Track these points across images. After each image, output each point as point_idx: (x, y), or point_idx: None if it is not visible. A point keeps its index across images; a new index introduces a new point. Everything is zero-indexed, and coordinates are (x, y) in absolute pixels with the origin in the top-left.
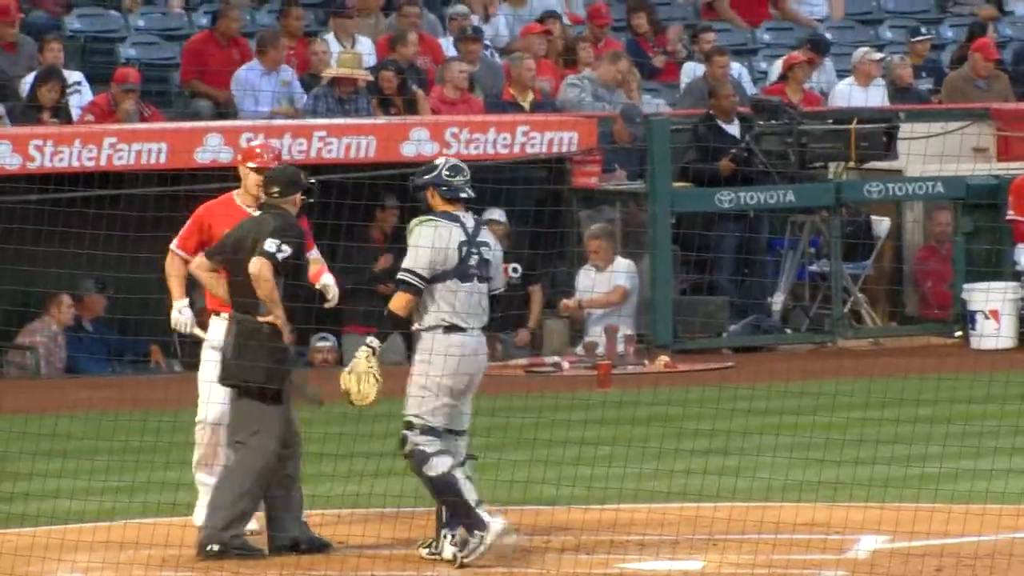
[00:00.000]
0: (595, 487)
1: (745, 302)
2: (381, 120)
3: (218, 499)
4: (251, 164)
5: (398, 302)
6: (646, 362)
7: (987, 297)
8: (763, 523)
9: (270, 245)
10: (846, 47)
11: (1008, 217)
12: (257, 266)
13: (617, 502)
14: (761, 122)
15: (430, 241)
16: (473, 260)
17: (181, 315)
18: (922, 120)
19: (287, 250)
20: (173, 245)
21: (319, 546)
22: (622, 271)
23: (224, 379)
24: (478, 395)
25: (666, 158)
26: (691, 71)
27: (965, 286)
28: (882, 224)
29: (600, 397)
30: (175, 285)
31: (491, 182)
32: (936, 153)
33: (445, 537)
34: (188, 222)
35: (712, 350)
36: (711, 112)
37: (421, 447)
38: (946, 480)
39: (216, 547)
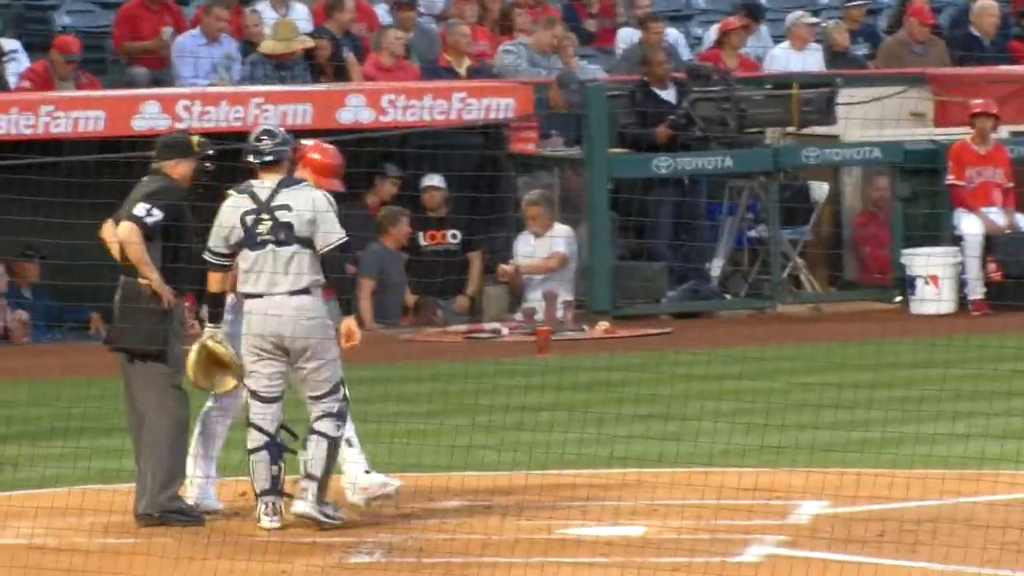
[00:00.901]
0: (536, 453)
1: (684, 267)
2: (318, 87)
3: (147, 466)
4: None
5: (209, 279)
6: (585, 328)
7: (926, 262)
8: (705, 488)
9: (139, 209)
10: (781, 13)
11: (947, 182)
12: (125, 230)
13: (558, 468)
14: (697, 88)
15: (218, 219)
16: (263, 227)
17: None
18: (859, 85)
19: (157, 214)
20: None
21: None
22: (561, 237)
23: (110, 342)
24: (418, 360)
25: (603, 124)
26: (627, 37)
27: (904, 251)
28: (820, 189)
29: (540, 363)
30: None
31: (429, 148)
32: (874, 118)
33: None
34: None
35: (651, 316)
36: (645, 79)
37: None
38: (888, 445)
39: (155, 513)
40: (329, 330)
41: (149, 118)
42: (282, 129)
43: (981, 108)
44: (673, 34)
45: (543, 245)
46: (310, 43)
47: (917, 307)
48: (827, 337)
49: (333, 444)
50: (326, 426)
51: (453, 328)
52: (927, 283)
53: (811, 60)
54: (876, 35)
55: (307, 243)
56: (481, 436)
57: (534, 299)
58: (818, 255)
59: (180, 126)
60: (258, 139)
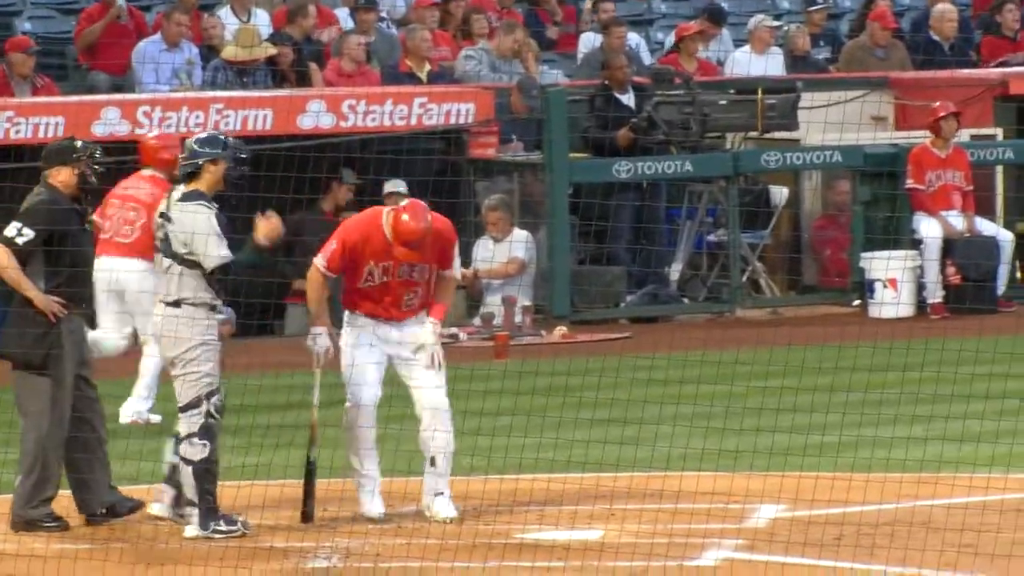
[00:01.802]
0: (494, 457)
1: (643, 271)
2: (279, 92)
3: (21, 472)
4: (404, 241)
5: None
6: (544, 333)
7: (886, 266)
8: (663, 493)
9: (10, 230)
10: (743, 17)
11: (907, 186)
12: None
13: (516, 472)
14: (659, 92)
15: None
16: (160, 233)
17: (316, 344)
18: (820, 89)
19: (28, 233)
20: (320, 263)
21: (132, 508)
22: (520, 242)
23: None
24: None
25: (563, 129)
26: (589, 42)
27: (863, 255)
28: (780, 193)
29: (498, 367)
30: (319, 304)
31: (390, 154)
32: (834, 122)
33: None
34: (334, 242)
35: (610, 320)
36: (606, 83)
37: None
38: (846, 449)
39: (24, 522)
40: (196, 348)
41: (109, 124)
42: (221, 138)
43: (944, 110)
44: (635, 39)
45: (502, 250)
46: (272, 50)
47: (876, 310)
48: (786, 341)
49: (197, 468)
50: (187, 450)
51: None
52: (886, 286)
53: (772, 64)
54: (838, 39)
55: (181, 259)
56: None
57: (492, 304)
58: (777, 259)
59: (140, 131)
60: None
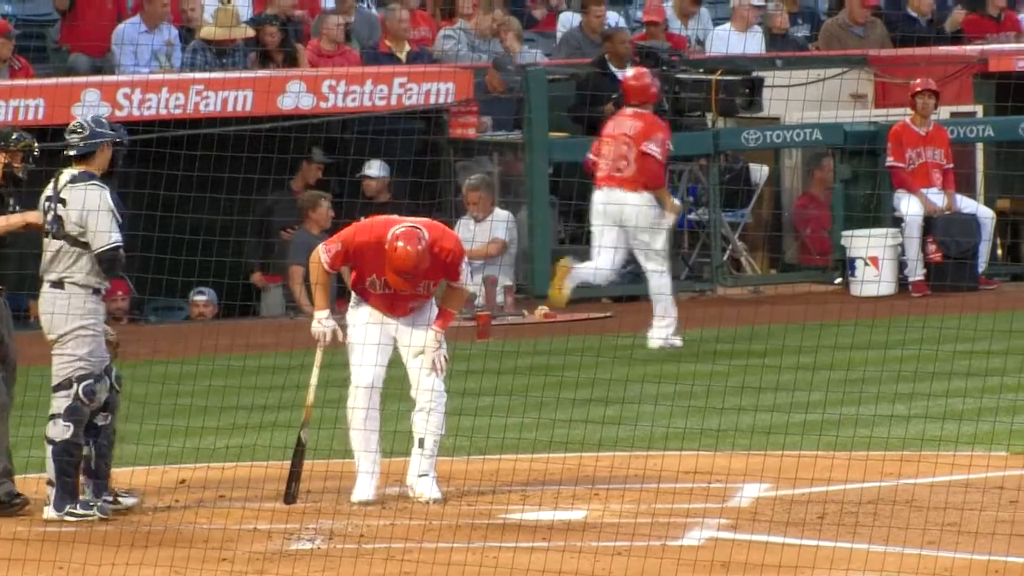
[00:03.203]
0: (477, 438)
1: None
2: (259, 73)
3: None
4: (396, 269)
5: None
6: (525, 312)
7: (867, 244)
8: (645, 472)
9: None
10: None
11: (887, 163)
12: None
13: (499, 453)
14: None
15: None
16: (50, 215)
17: (322, 325)
18: (800, 67)
19: None
20: (323, 260)
21: (15, 503)
22: (501, 222)
23: None
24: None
25: (543, 108)
26: (568, 21)
27: (844, 233)
28: (760, 172)
29: (480, 348)
30: (323, 296)
31: (371, 134)
32: (814, 100)
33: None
34: (339, 242)
35: (591, 300)
36: (606, 57)
37: None
38: (829, 427)
39: None
40: (79, 329)
41: (89, 106)
42: (104, 121)
43: (922, 86)
44: (614, 17)
45: (483, 230)
46: (251, 31)
47: (857, 289)
48: (767, 319)
49: (59, 448)
50: (51, 430)
51: None
52: (867, 264)
53: (753, 42)
54: (816, 17)
55: (73, 240)
56: None
57: (474, 284)
58: (758, 237)
59: (120, 114)
60: (69, 133)
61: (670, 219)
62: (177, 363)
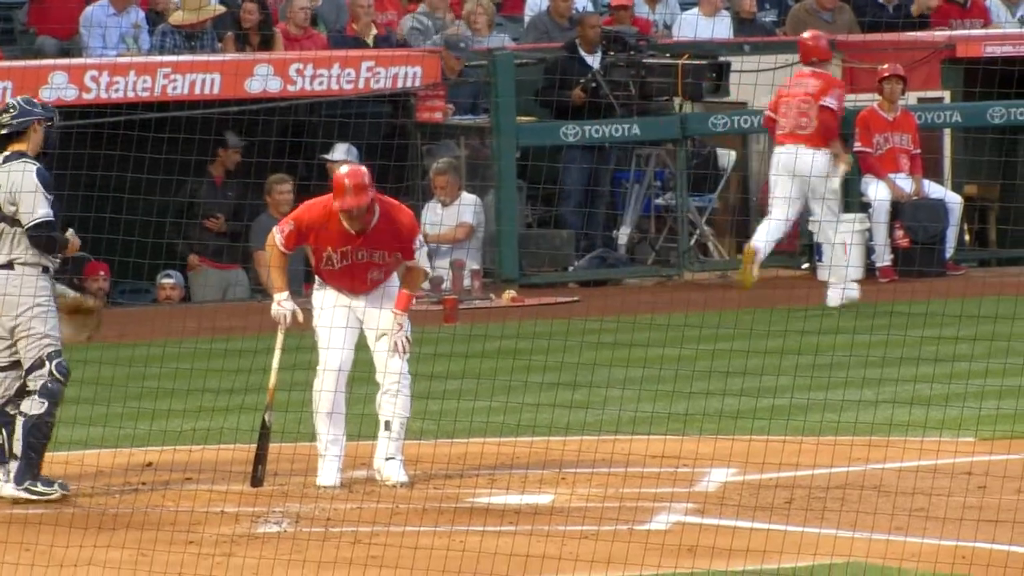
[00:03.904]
0: (444, 422)
1: (591, 235)
2: (226, 57)
3: None
4: (337, 205)
5: None
6: (492, 296)
7: (835, 229)
8: (613, 456)
9: None
10: None
11: (855, 148)
12: None
13: (466, 437)
14: (611, 53)
15: None
16: None
17: (281, 307)
18: (767, 52)
19: None
20: (278, 242)
21: None
22: (468, 206)
23: None
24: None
25: (510, 92)
26: (535, 5)
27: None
28: (728, 157)
29: (447, 332)
30: (279, 278)
31: (339, 117)
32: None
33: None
34: (292, 222)
35: (559, 284)
36: (576, 41)
37: None
38: (796, 412)
39: None
40: (34, 308)
41: (57, 88)
42: (35, 101)
43: (890, 71)
44: (582, 2)
45: (450, 214)
46: (221, 10)
47: (825, 274)
48: (734, 304)
49: (33, 423)
50: (27, 405)
51: None
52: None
53: (721, 26)
54: (784, 2)
55: (12, 221)
56: None
57: (441, 268)
58: (725, 222)
59: (88, 97)
60: (1, 113)
61: (843, 169)
62: (144, 346)
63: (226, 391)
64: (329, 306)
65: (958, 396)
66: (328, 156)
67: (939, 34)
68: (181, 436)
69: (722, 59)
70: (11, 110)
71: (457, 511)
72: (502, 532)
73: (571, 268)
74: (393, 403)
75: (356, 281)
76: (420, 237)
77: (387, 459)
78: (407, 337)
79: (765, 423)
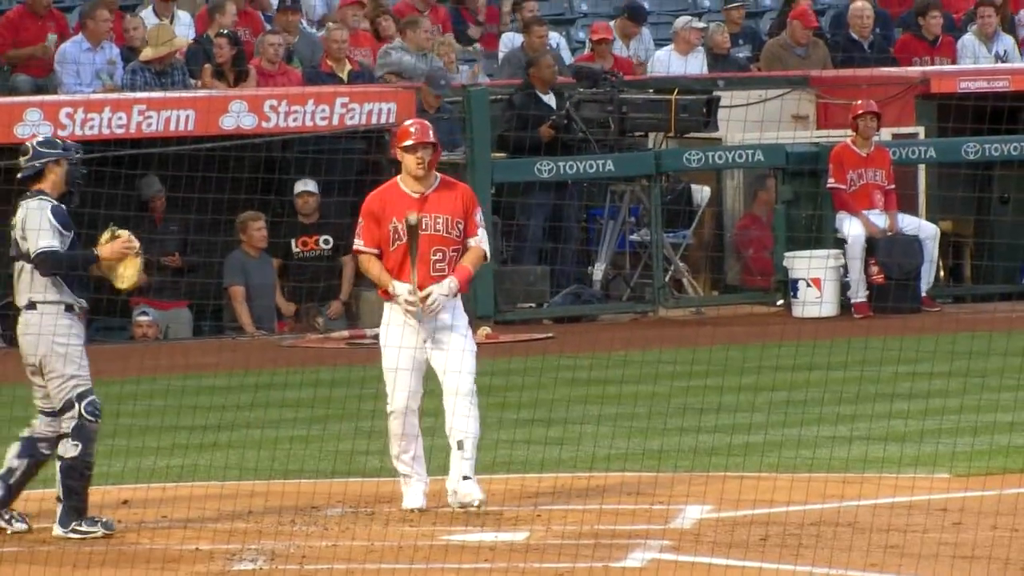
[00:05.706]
0: None
1: (566, 271)
2: (200, 93)
3: None
4: (406, 143)
5: None
6: None
7: (809, 265)
8: (588, 493)
9: None
10: (664, 15)
11: (828, 185)
12: None
13: (441, 474)
14: (582, 89)
15: None
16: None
17: (397, 290)
18: (741, 88)
19: None
20: (358, 246)
21: None
22: None
23: None
24: (300, 366)
25: (485, 128)
26: (509, 41)
27: (786, 254)
28: (702, 193)
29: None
30: (380, 273)
31: (311, 153)
32: (756, 120)
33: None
34: (360, 219)
35: (533, 321)
36: (530, 81)
37: None
38: (771, 449)
39: None
40: (57, 347)
41: (31, 125)
42: (56, 141)
43: (864, 108)
44: (556, 38)
45: None
46: (187, 42)
47: (799, 310)
48: (709, 341)
49: (69, 465)
50: (62, 448)
51: (336, 334)
52: (809, 286)
53: (694, 63)
54: (758, 37)
55: (27, 257)
56: (363, 442)
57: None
58: (700, 258)
59: (63, 133)
60: (20, 156)
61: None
62: (118, 383)
63: (200, 428)
64: (397, 324)
65: (933, 432)
66: (304, 187)
67: (913, 70)
68: (154, 473)
69: (713, 94)
70: (27, 153)
71: (432, 548)
72: (478, 569)
73: (546, 304)
74: (465, 423)
75: (420, 262)
76: (481, 215)
77: (463, 478)
78: (442, 303)
79: (740, 459)
